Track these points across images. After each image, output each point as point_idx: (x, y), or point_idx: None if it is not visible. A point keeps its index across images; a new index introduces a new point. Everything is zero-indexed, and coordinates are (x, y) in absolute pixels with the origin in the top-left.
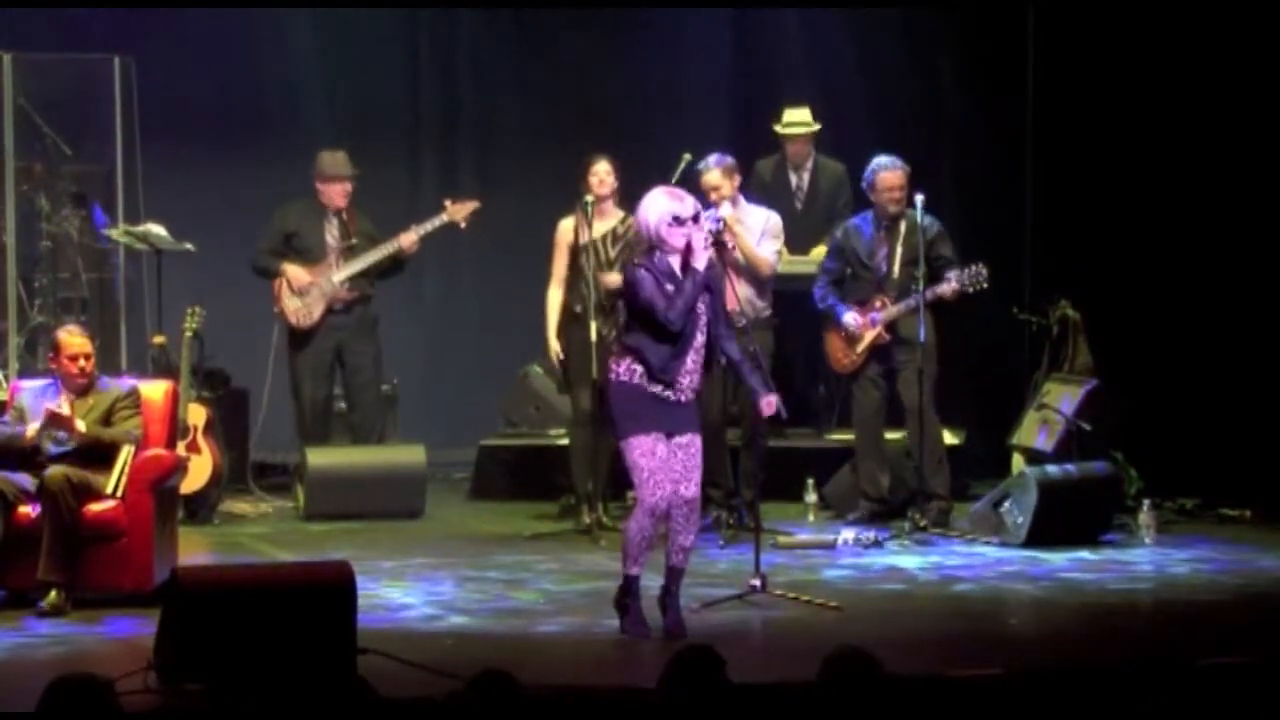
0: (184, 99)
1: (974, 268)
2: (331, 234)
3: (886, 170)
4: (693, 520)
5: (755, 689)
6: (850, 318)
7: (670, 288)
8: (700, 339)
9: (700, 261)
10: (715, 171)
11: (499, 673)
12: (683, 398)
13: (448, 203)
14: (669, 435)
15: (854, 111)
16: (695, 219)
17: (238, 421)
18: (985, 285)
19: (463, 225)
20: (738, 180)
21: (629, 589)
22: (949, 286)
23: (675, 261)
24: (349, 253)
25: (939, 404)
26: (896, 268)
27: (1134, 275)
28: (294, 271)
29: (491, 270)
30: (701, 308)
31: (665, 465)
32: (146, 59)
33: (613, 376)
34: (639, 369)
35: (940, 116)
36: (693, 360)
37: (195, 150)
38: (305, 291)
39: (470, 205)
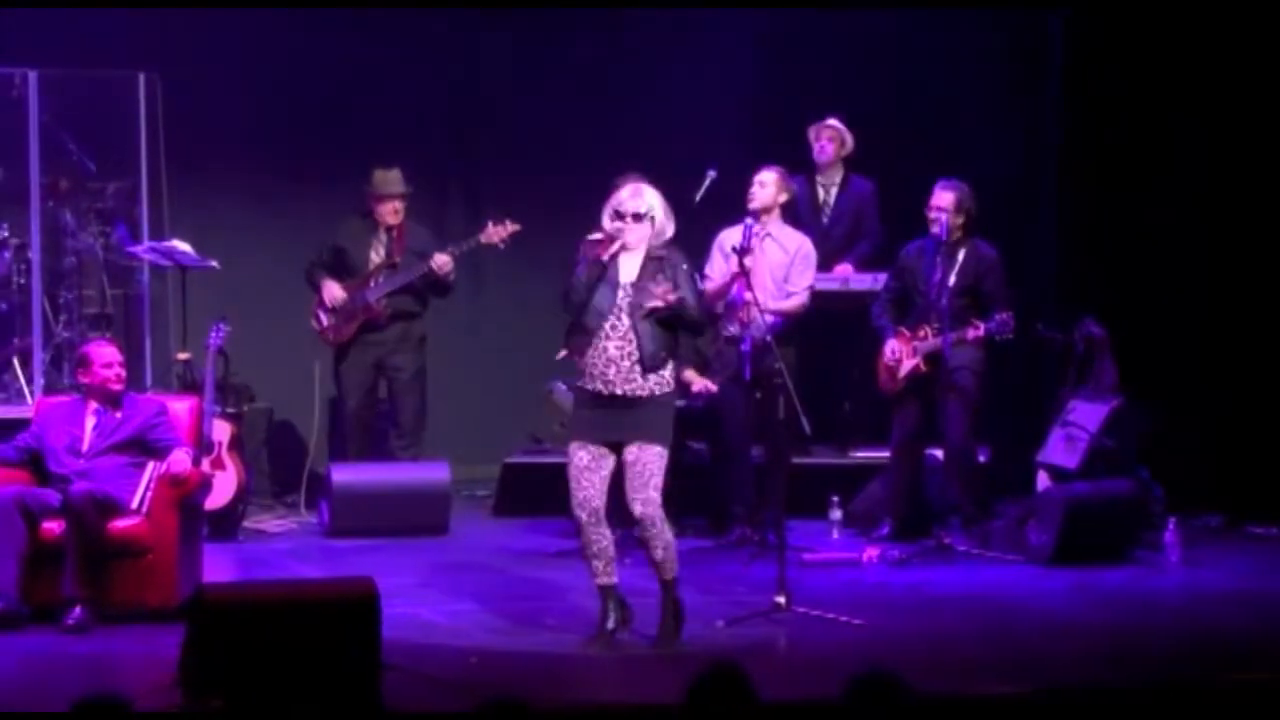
0: (210, 116)
1: (1002, 317)
2: (378, 251)
3: (936, 188)
4: (651, 537)
5: (780, 707)
6: (892, 345)
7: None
8: (622, 328)
9: (606, 249)
10: (771, 172)
11: (510, 701)
12: (618, 391)
13: (489, 224)
14: (614, 446)
15: (876, 125)
16: (636, 218)
17: (263, 437)
18: (1011, 336)
19: (501, 246)
20: (784, 198)
21: (601, 601)
22: (975, 333)
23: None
24: (390, 271)
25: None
26: (947, 297)
27: (1159, 291)
28: (329, 287)
29: (516, 287)
30: (620, 295)
31: (582, 473)
32: (172, 76)
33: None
34: (571, 353)
35: (963, 130)
36: (616, 348)
37: (221, 167)
38: (338, 308)
39: (509, 228)
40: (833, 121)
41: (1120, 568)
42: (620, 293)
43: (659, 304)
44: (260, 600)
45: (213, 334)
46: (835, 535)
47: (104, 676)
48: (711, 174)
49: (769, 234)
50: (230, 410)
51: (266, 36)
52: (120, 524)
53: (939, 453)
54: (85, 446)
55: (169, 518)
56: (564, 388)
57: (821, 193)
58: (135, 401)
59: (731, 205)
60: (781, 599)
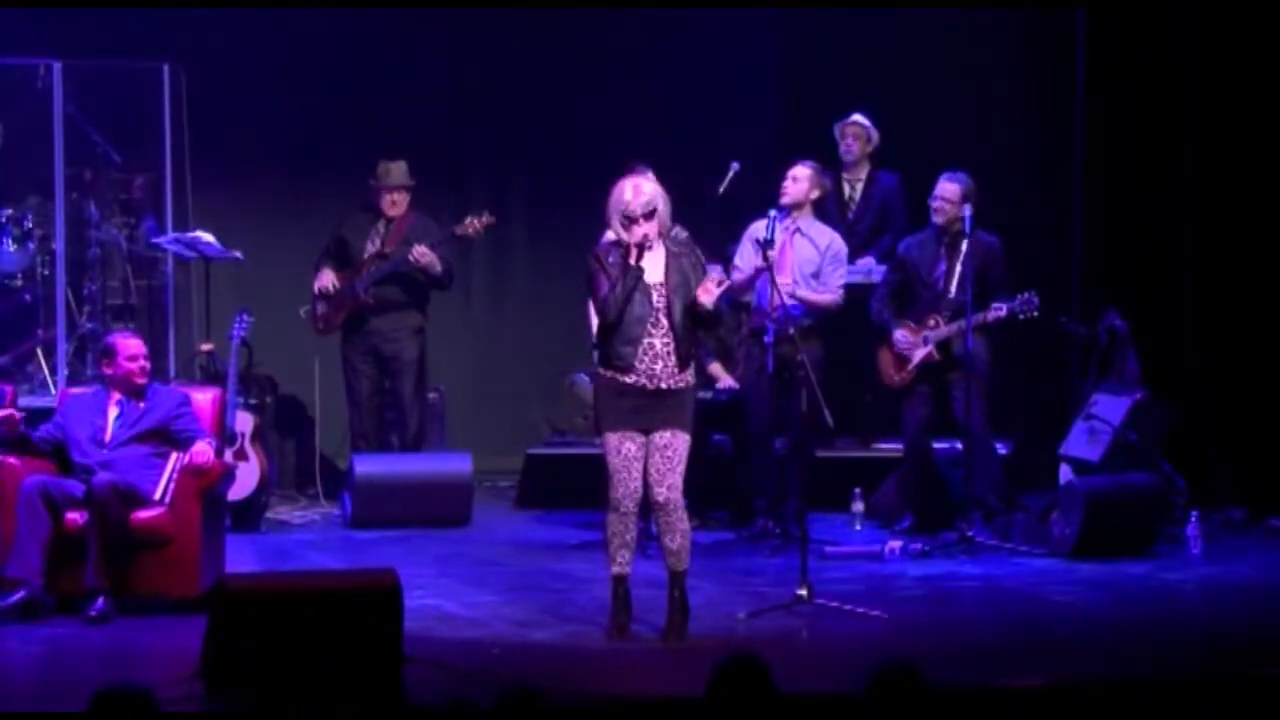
0: (234, 108)
1: (1025, 295)
2: (374, 242)
3: (941, 180)
4: (672, 523)
5: (801, 699)
6: (901, 335)
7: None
8: (665, 323)
9: (635, 257)
10: (805, 168)
11: (532, 693)
12: (662, 385)
13: (468, 217)
14: (646, 432)
15: (900, 119)
16: (648, 216)
17: (286, 428)
18: (1035, 314)
19: (475, 237)
20: (817, 194)
21: (613, 591)
22: (997, 314)
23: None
24: (380, 262)
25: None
26: (954, 287)
27: (1183, 285)
28: (322, 276)
29: (539, 279)
30: (661, 292)
31: (631, 464)
32: (197, 68)
33: (598, 374)
34: (610, 365)
35: (988, 123)
36: (662, 343)
37: (245, 159)
38: (328, 296)
39: (485, 220)
40: (857, 118)
41: (1142, 561)
42: (654, 294)
43: (709, 299)
44: (282, 591)
45: (236, 325)
46: (858, 528)
47: (126, 667)
48: (735, 166)
49: (799, 229)
50: (253, 401)
51: (292, 29)
52: (143, 514)
53: (959, 444)
54: (108, 437)
55: (192, 508)
56: (586, 380)
57: (847, 188)
58: (158, 392)
59: (765, 198)
60: (803, 591)
